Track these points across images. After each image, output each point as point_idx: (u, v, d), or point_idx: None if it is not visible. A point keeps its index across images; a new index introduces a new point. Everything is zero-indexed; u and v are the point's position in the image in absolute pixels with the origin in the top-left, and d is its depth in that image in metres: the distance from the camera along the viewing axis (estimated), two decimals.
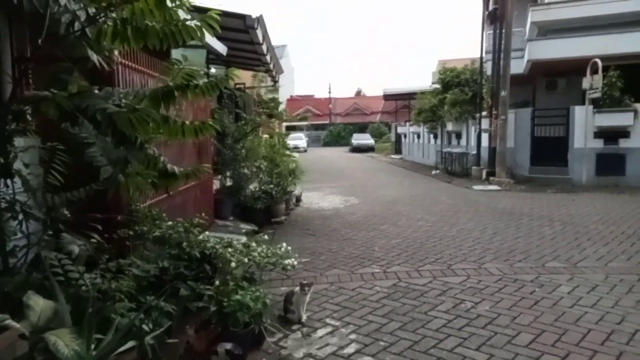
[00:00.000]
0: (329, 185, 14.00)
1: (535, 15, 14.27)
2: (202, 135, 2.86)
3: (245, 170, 8.47)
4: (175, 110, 3.28)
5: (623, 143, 12.14)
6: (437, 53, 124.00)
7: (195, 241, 3.51)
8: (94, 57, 2.54)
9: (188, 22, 2.49)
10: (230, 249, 3.52)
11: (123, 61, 3.66)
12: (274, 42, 10.35)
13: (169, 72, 2.72)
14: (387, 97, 37.35)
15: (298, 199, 10.28)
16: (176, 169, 2.86)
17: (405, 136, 28.43)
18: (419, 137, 24.40)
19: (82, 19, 2.42)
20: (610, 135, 12.25)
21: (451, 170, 16.37)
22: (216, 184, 7.93)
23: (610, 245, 6.04)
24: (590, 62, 11.91)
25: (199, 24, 2.51)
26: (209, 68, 9.90)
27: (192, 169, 2.97)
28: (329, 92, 56.73)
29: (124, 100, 2.50)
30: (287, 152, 9.43)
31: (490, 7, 14.70)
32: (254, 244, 3.74)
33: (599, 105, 12.10)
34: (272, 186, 8.48)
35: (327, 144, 50.15)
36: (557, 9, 14.00)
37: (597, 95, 11.80)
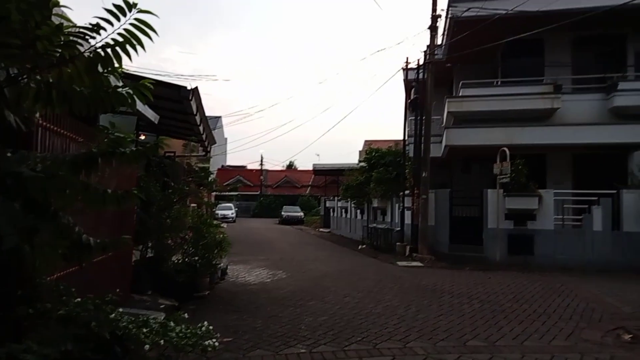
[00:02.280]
0: (256, 258, 13.69)
1: (450, 105, 15.75)
2: (125, 205, 2.73)
3: (169, 241, 8.09)
4: (97, 177, 3.13)
5: (531, 225, 13.19)
6: (365, 132, 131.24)
7: (105, 320, 3.20)
8: (11, 118, 2.39)
9: (120, 89, 2.46)
10: (145, 329, 3.24)
11: (44, 123, 3.48)
12: (209, 113, 10.44)
13: (95, 137, 2.63)
14: (317, 172, 38.34)
15: (223, 272, 9.89)
16: (92, 240, 2.67)
17: (333, 210, 28.97)
18: (346, 211, 24.97)
19: (2, 78, 2.30)
20: (519, 217, 13.30)
21: (377, 246, 16.75)
22: (136, 255, 7.46)
23: (524, 324, 6.33)
24: (499, 150, 13.15)
25: (130, 91, 2.48)
26: (139, 135, 9.69)
27: (111, 241, 2.78)
28: (261, 164, 57.30)
29: (39, 165, 2.35)
30: (215, 223, 9.21)
31: (412, 96, 16.05)
32: (172, 323, 3.49)
33: (508, 189, 13.21)
34: (196, 258, 8.12)
35: (257, 215, 49.74)
36: (469, 102, 15.57)
37: (506, 180, 12.92)
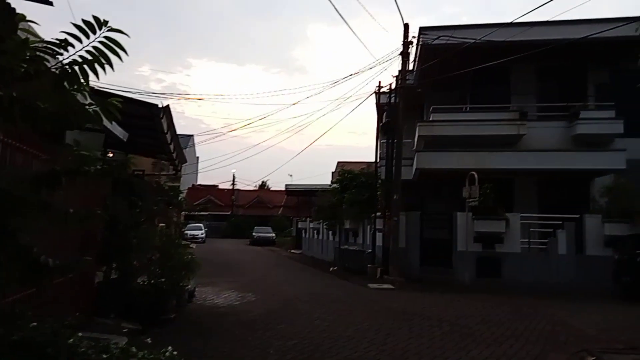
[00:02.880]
0: (226, 279, 13.42)
1: (421, 130, 16.08)
2: (88, 224, 2.64)
3: (135, 262, 7.84)
4: (60, 196, 3.02)
5: (498, 248, 13.46)
6: (338, 153, 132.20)
7: (63, 345, 3.05)
8: None
9: (87, 107, 2.41)
10: (105, 355, 3.10)
11: (4, 139, 3.37)
12: (181, 131, 10.33)
13: (59, 155, 2.55)
14: (290, 192, 38.32)
15: (191, 295, 9.64)
16: (51, 261, 2.56)
17: (305, 231, 28.86)
18: (318, 233, 24.91)
19: None
20: (488, 240, 13.56)
21: (348, 267, 16.71)
22: (100, 276, 7.19)
23: (492, 347, 6.38)
24: (468, 173, 13.46)
25: (98, 109, 2.43)
26: (107, 152, 9.47)
27: (72, 262, 2.67)
28: (233, 184, 56.74)
29: None
30: (184, 243, 9.01)
31: (384, 120, 16.33)
32: (134, 349, 3.35)
33: (477, 212, 13.47)
34: (163, 280, 7.89)
35: (227, 235, 48.98)
36: (439, 127, 15.94)
37: (475, 203, 13.20)
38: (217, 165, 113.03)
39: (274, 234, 39.55)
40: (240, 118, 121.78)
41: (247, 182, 64.61)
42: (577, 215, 13.45)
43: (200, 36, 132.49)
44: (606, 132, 14.81)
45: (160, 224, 11.07)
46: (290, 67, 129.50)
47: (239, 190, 57.68)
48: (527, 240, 13.79)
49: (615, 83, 15.52)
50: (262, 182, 66.98)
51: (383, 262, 14.75)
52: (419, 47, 15.58)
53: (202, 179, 58.33)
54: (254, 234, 39.28)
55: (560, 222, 13.58)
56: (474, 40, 14.00)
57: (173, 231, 9.45)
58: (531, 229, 14.11)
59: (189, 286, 9.13)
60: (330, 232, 22.17)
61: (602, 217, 13.17)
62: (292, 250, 30.30)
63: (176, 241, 8.68)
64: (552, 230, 13.73)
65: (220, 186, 59.39)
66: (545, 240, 13.80)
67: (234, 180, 56.06)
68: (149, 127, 8.11)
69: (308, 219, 28.16)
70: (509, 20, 14.07)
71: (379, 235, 15.67)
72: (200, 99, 61.59)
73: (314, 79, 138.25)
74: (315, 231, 25.78)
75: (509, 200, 15.32)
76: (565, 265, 13.10)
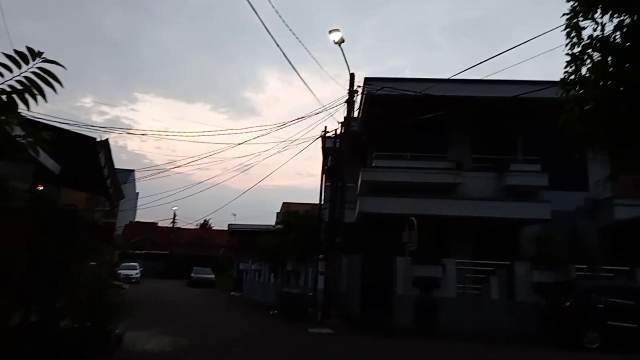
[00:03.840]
0: (159, 323, 12.73)
1: (364, 175, 16.55)
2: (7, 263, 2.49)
3: (59, 303, 7.31)
4: None
5: (435, 292, 13.79)
6: (284, 194, 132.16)
7: None
8: None
9: (18, 138, 2.33)
10: None
11: None
12: (122, 166, 10.00)
13: None
14: (232, 232, 37.50)
15: (120, 339, 9.04)
16: None
17: (247, 273, 28.23)
18: (260, 275, 24.44)
19: None
20: (426, 284, 13.88)
21: (289, 311, 16.38)
22: (16, 318, 6.62)
23: None
24: (408, 219, 13.87)
25: (28, 140, 2.36)
26: (37, 185, 8.96)
27: None
28: (173, 222, 54.78)
29: None
30: (116, 283, 8.55)
31: (329, 163, 16.68)
32: None
33: (415, 257, 13.82)
34: (89, 323, 7.38)
35: (165, 275, 46.78)
36: (381, 172, 16.49)
37: (414, 248, 13.56)
38: (158, 202, 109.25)
39: (213, 275, 38.25)
40: (185, 155, 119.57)
41: (189, 221, 62.43)
42: (509, 262, 14.13)
43: (149, 71, 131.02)
44: (533, 184, 15.91)
45: (92, 263, 10.47)
46: (239, 107, 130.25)
47: (179, 228, 55.72)
48: (462, 285, 14.24)
49: (541, 139, 16.84)
50: (204, 220, 65.25)
51: (324, 305, 14.63)
52: (364, 96, 16.27)
53: (142, 216, 56.17)
54: (192, 274, 37.79)
55: (493, 269, 14.20)
56: (414, 93, 14.84)
57: (105, 270, 8.93)
58: (466, 275, 14.62)
59: (118, 330, 8.60)
60: (272, 274, 21.82)
61: (531, 264, 13.91)
62: (232, 293, 29.41)
63: (107, 281, 8.21)
64: (485, 276, 14.30)
65: (160, 224, 57.18)
66: (479, 286, 14.32)
67: (174, 218, 54.23)
68: (85, 161, 7.82)
69: (250, 260, 27.61)
70: (447, 77, 15.10)
71: (321, 278, 15.61)
72: (143, 134, 60.08)
73: (263, 120, 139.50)
74: (257, 273, 25.28)
75: (446, 246, 15.90)
76: (497, 310, 13.60)
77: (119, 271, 26.60)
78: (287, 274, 19.74)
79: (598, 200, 17.41)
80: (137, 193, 49.98)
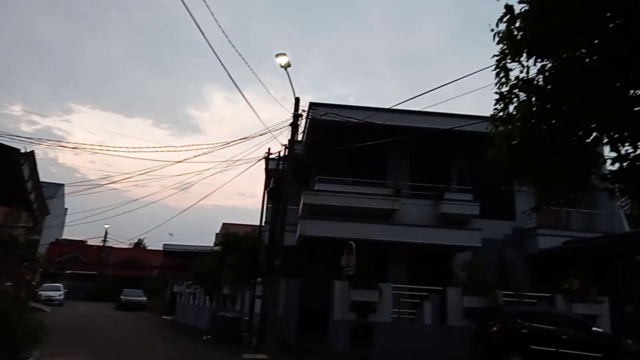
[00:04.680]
0: (81, 350, 11.86)
1: (306, 198, 16.61)
2: None
3: None
4: None
5: (372, 317, 13.90)
6: (225, 215, 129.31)
7: None
8: None
9: None
10: None
11: None
12: (50, 179, 9.38)
13: None
14: (168, 252, 36.16)
15: None
16: None
17: (181, 296, 27.13)
18: (195, 298, 23.57)
19: None
20: (362, 309, 13.97)
21: (224, 336, 15.87)
22: None
23: None
24: (347, 243, 14.00)
25: None
26: None
27: None
28: (104, 240, 51.85)
29: None
30: (34, 306, 7.90)
31: (272, 185, 16.60)
32: None
33: (353, 281, 13.91)
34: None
35: (92, 297, 43.87)
36: (323, 196, 16.62)
37: (352, 273, 13.65)
38: (89, 218, 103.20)
39: (145, 298, 36.43)
40: (121, 170, 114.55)
41: (122, 240, 59.37)
42: (441, 288, 14.58)
43: (86, 82, 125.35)
44: (465, 213, 16.66)
45: (8, 283, 9.63)
46: (182, 124, 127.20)
47: (110, 247, 52.84)
48: (397, 310, 14.48)
49: (474, 170, 17.76)
50: (139, 240, 62.27)
51: (260, 330, 14.31)
52: (308, 120, 16.47)
53: (70, 233, 52.74)
54: (122, 296, 35.77)
55: (427, 294, 14.58)
56: (357, 120, 15.23)
57: (24, 292, 8.24)
58: (401, 299, 14.89)
59: (32, 358, 7.91)
60: (207, 298, 21.11)
61: (462, 290, 14.42)
62: (165, 316, 28.09)
63: (23, 304, 7.57)
64: (419, 301, 14.64)
65: (90, 242, 53.94)
66: (414, 311, 14.63)
67: (105, 236, 51.39)
68: (5, 173, 7.27)
69: (185, 283, 26.60)
70: (389, 106, 15.62)
71: (258, 302, 15.29)
72: (75, 148, 56.70)
73: (207, 139, 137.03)
74: (191, 296, 24.36)
75: (383, 271, 16.20)
76: (430, 334, 13.92)
77: (40, 292, 24.69)
78: (224, 298, 19.18)
79: (524, 230, 18.50)
80: (66, 209, 47.10)
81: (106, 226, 50.82)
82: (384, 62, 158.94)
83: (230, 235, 19.54)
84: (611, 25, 4.59)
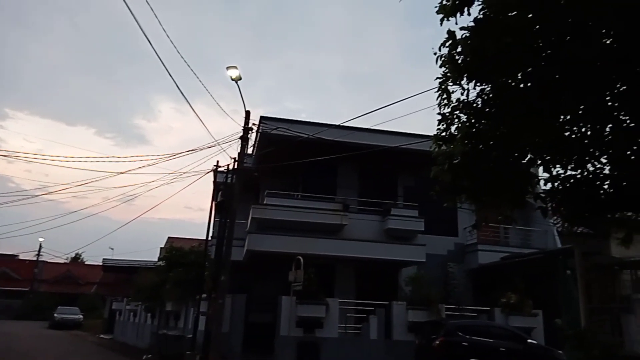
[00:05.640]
0: None
1: (255, 212, 16.44)
2: None
3: None
4: None
5: (318, 332, 13.85)
6: (171, 228, 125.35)
7: None
8: None
9: None
10: None
11: None
12: None
13: None
14: (107, 268, 34.45)
15: None
16: None
17: (120, 313, 25.86)
18: (135, 315, 22.54)
19: None
20: (309, 324, 13.89)
21: (166, 355, 15.26)
22: None
23: None
24: (295, 258, 13.94)
25: None
26: None
27: None
28: (38, 254, 48.66)
29: None
30: None
31: (220, 198, 16.29)
32: None
33: (300, 297, 13.84)
34: None
35: (23, 316, 40.87)
36: (272, 210, 16.50)
37: (299, 288, 13.58)
38: (21, 231, 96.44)
39: (81, 316, 34.40)
40: (60, 181, 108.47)
41: (58, 254, 55.82)
42: (387, 302, 14.77)
43: (24, 87, 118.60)
44: (411, 229, 17.07)
45: None
46: (128, 134, 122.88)
47: (45, 262, 49.66)
48: (344, 325, 14.51)
49: (419, 187, 18.28)
50: (76, 254, 58.98)
51: (204, 348, 13.84)
52: (259, 134, 16.38)
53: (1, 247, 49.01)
54: (55, 315, 33.59)
55: (373, 308, 14.73)
56: (307, 136, 15.33)
57: None
58: (348, 314, 14.94)
59: None
60: (149, 315, 20.25)
61: (407, 304, 14.69)
62: (102, 335, 26.62)
63: None
64: (366, 315, 14.76)
65: (22, 256, 50.44)
66: (360, 326, 14.72)
67: (39, 250, 48.28)
68: None
69: (125, 299, 25.40)
70: (340, 122, 15.85)
71: (202, 319, 14.81)
72: (7, 156, 53.05)
73: (154, 150, 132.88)
74: (132, 313, 23.27)
75: (330, 286, 16.21)
76: (376, 349, 14.03)
77: None
78: (166, 315, 18.47)
79: (465, 246, 19.20)
80: None
81: (40, 239, 47.82)
82: (335, 79, 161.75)
83: (175, 249, 18.93)
84: (543, 54, 4.92)
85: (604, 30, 4.69)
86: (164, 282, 17.66)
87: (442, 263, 18.02)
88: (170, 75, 12.36)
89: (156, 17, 9.50)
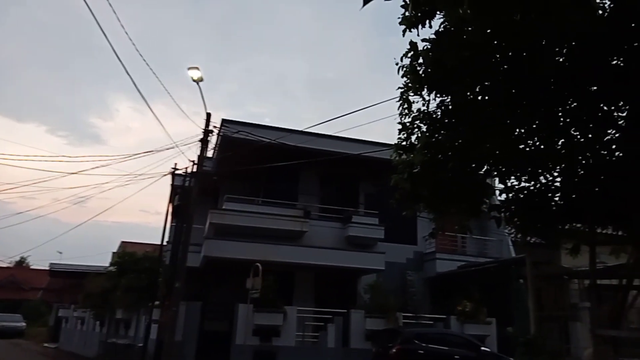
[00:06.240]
0: None
1: (213, 217, 16.07)
2: None
3: None
4: None
5: (275, 341, 13.63)
6: (127, 232, 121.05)
7: None
8: None
9: None
10: None
11: None
12: None
13: None
14: (55, 273, 32.76)
15: None
16: None
17: (67, 321, 24.65)
18: (83, 323, 21.53)
19: None
20: (266, 333, 13.66)
21: None
22: None
23: None
24: (253, 264, 13.69)
25: None
26: None
27: None
28: None
29: None
30: None
31: (177, 202, 15.84)
32: None
33: (258, 304, 13.59)
34: None
35: None
36: (231, 216, 16.18)
37: (257, 295, 13.33)
38: None
39: (24, 323, 32.51)
40: (6, 180, 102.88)
41: (1, 257, 52.64)
42: (345, 310, 14.75)
43: None
44: (371, 236, 17.17)
45: None
46: (82, 133, 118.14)
47: None
48: (302, 333, 14.36)
49: (380, 195, 18.46)
50: (21, 258, 55.86)
51: (155, 357, 13.35)
52: (220, 137, 16.09)
53: None
54: None
55: (331, 316, 14.66)
56: (269, 140, 15.18)
57: None
58: (306, 322, 14.80)
59: None
60: (98, 323, 19.38)
61: (365, 312, 14.71)
62: (46, 344, 25.26)
63: None
64: (324, 324, 14.66)
65: None
66: (318, 334, 14.60)
67: None
68: None
69: (73, 306, 24.24)
70: (302, 128, 15.78)
71: (154, 327, 14.30)
72: None
73: (110, 150, 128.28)
74: (79, 321, 22.22)
75: (289, 293, 16.04)
76: (333, 358, 13.94)
77: None
78: (116, 323, 17.73)
79: (424, 254, 19.51)
80: None
81: None
82: (301, 84, 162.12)
83: (127, 254, 18.25)
84: (500, 69, 5.04)
85: (557, 49, 4.85)
86: (114, 289, 16.96)
87: (401, 271, 18.21)
88: (127, 72, 11.96)
89: (114, 11, 9.15)
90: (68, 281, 34.85)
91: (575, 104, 5.30)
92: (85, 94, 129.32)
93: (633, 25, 4.54)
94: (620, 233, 6.44)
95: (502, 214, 6.29)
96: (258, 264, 13.43)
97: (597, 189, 5.45)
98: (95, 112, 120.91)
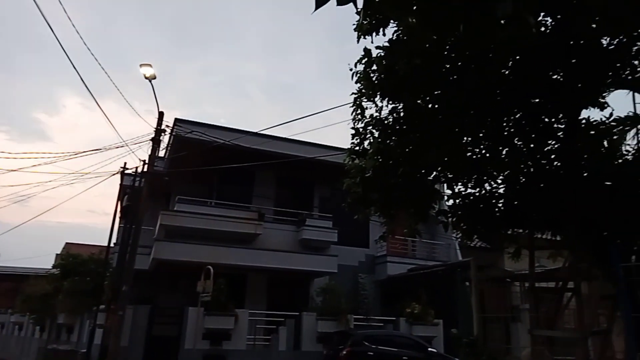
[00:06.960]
0: None
1: (164, 218, 15.66)
2: None
3: None
4: None
5: (226, 345, 13.42)
6: (73, 233, 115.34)
7: None
8: None
9: None
10: None
11: None
12: None
13: None
14: None
15: None
16: None
17: (3, 326, 23.23)
18: (21, 328, 20.37)
19: None
20: (216, 336, 13.43)
21: None
22: None
23: None
24: (204, 267, 13.45)
25: None
26: None
27: None
28: None
29: None
30: None
31: (125, 203, 15.31)
32: None
33: (208, 308, 13.34)
34: None
35: None
36: (182, 217, 15.83)
37: (208, 299, 13.10)
38: None
39: None
40: None
41: None
42: (298, 313, 14.75)
43: None
44: (325, 239, 17.31)
45: None
46: (25, 129, 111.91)
47: None
48: (253, 336, 14.22)
49: (334, 198, 18.62)
50: None
51: None
52: (172, 137, 15.71)
53: None
54: None
55: (283, 319, 14.61)
56: (224, 141, 14.97)
57: None
58: (257, 326, 14.68)
59: None
60: (37, 328, 18.38)
61: (317, 315, 14.77)
62: None
63: None
64: (276, 327, 14.60)
65: None
66: (269, 337, 14.52)
67: None
68: None
69: (10, 311, 22.86)
70: (257, 130, 15.64)
71: (99, 332, 13.72)
72: None
73: (55, 147, 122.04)
74: (17, 326, 21.00)
75: (241, 296, 15.86)
76: None
77: None
78: (58, 328, 16.88)
79: (375, 257, 19.84)
80: None
81: None
82: (258, 86, 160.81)
83: (71, 256, 17.41)
84: (450, 78, 5.24)
85: (502, 62, 5.10)
86: (57, 292, 16.15)
87: (353, 274, 18.42)
88: (74, 66, 11.42)
89: (60, 2, 8.74)
90: (5, 284, 32.85)
91: (519, 114, 5.59)
92: (30, 88, 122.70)
93: (571, 42, 4.86)
94: (557, 238, 6.83)
95: (450, 219, 6.53)
96: (209, 267, 13.22)
97: (536, 197, 5.76)
98: (40, 107, 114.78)
